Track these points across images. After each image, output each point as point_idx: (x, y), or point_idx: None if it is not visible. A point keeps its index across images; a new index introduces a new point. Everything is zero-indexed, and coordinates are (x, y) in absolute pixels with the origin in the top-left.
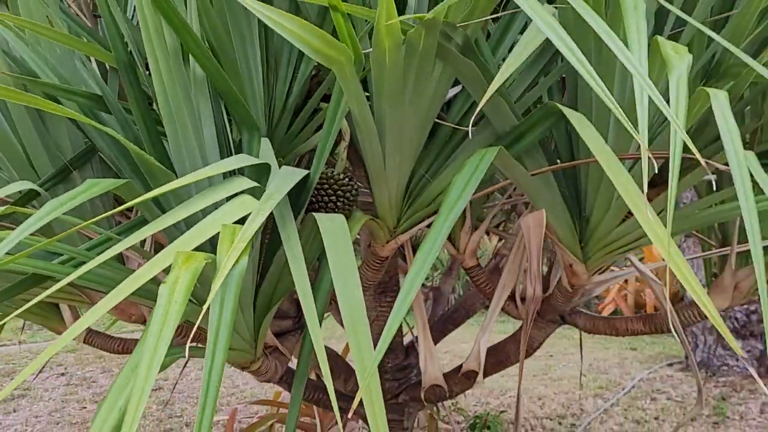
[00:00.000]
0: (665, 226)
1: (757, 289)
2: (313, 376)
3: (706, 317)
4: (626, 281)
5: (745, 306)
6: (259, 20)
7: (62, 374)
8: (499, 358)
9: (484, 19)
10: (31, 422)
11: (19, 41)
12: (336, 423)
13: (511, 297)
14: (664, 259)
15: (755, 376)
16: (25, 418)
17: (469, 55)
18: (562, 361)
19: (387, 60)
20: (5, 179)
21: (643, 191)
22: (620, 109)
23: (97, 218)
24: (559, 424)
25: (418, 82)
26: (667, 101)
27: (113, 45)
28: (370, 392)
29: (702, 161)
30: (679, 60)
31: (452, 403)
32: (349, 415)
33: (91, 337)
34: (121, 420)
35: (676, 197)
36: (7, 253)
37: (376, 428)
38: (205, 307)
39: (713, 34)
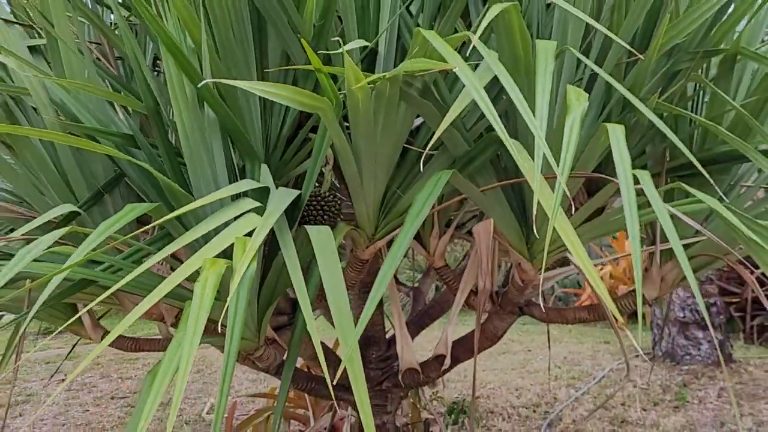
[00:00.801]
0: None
1: (681, 279)
2: (305, 370)
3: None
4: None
5: (705, 299)
6: (257, 66)
7: (62, 380)
8: (468, 346)
9: (436, 69)
10: (38, 425)
11: (63, 91)
12: (327, 412)
13: (474, 292)
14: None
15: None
16: (32, 421)
17: (427, 97)
18: (540, 355)
19: (360, 106)
20: (49, 203)
21: (569, 205)
22: (543, 139)
23: (133, 233)
24: (534, 411)
25: (386, 119)
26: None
27: (144, 97)
28: (352, 362)
29: (614, 178)
30: (578, 105)
31: (433, 393)
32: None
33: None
34: (173, 379)
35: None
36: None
37: (356, 383)
38: (229, 299)
39: (614, 82)
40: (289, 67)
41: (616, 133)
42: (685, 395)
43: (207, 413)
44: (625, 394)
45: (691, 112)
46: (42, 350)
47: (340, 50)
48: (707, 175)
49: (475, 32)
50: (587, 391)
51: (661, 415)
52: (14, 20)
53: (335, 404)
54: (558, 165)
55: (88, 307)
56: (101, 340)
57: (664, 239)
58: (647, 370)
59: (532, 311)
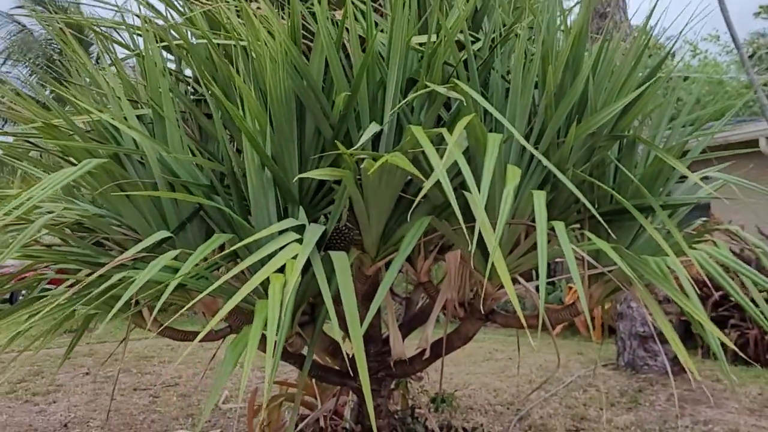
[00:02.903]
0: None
1: (606, 295)
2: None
3: (576, 315)
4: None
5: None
6: (298, 138)
7: (86, 374)
8: (447, 345)
9: (419, 150)
10: (72, 410)
11: (165, 152)
12: (331, 397)
13: (451, 303)
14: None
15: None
16: (66, 407)
17: (415, 164)
18: (519, 362)
19: (370, 176)
20: (147, 230)
21: (516, 240)
22: (483, 205)
23: (218, 256)
24: (507, 409)
25: (387, 179)
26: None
27: (225, 162)
28: (358, 346)
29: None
30: (512, 180)
31: (419, 387)
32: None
33: (162, 330)
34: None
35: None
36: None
37: (360, 366)
38: (285, 299)
39: (544, 159)
40: (324, 154)
41: (539, 198)
42: (638, 398)
43: (223, 403)
44: (588, 396)
45: (613, 174)
46: (60, 347)
47: (361, 139)
48: (604, 223)
49: (450, 131)
50: (556, 393)
51: (615, 414)
52: (129, 98)
53: (339, 389)
54: (500, 217)
55: (186, 307)
56: (158, 332)
57: (591, 267)
58: (610, 377)
59: (496, 318)
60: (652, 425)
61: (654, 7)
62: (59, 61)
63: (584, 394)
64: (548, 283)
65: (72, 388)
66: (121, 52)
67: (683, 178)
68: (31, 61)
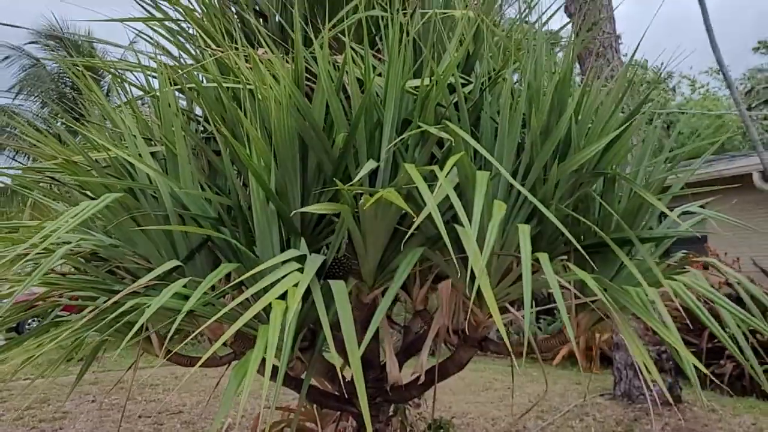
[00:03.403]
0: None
1: (593, 324)
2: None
3: (565, 342)
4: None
5: (657, 347)
6: (300, 173)
7: (92, 401)
8: (442, 371)
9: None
10: None
11: (177, 187)
12: (331, 423)
13: (444, 329)
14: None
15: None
16: None
17: (408, 200)
18: (517, 392)
19: (366, 211)
20: (159, 259)
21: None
22: (474, 237)
23: (228, 286)
24: None
25: (383, 213)
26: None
27: (232, 197)
28: (357, 370)
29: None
30: (498, 214)
31: (417, 413)
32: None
33: (168, 355)
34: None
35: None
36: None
37: (359, 386)
38: (287, 324)
39: (530, 196)
40: (324, 189)
41: (524, 231)
42: (633, 428)
43: (226, 430)
44: (584, 425)
45: (598, 208)
46: (65, 375)
47: (358, 175)
48: (586, 255)
49: (442, 168)
50: (552, 422)
51: None
52: (143, 136)
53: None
54: (485, 249)
55: (195, 333)
56: (165, 357)
57: (578, 297)
58: (606, 407)
59: (488, 345)
60: None
61: (636, 48)
62: (71, 95)
63: (580, 423)
64: (548, 314)
65: (77, 416)
66: (133, 91)
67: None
68: (43, 94)
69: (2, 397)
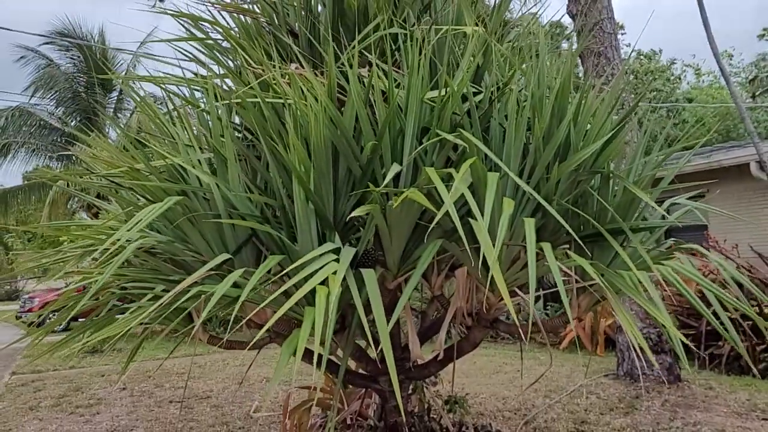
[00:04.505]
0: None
1: (592, 305)
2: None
3: (567, 322)
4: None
5: (657, 329)
6: (333, 176)
7: (123, 389)
8: (458, 350)
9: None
10: (116, 420)
11: (227, 191)
12: (355, 400)
13: (460, 312)
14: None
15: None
16: (109, 417)
17: (430, 197)
18: (526, 374)
19: (393, 208)
20: (210, 253)
21: (513, 258)
22: (486, 229)
23: (277, 274)
24: (515, 414)
25: (407, 209)
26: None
27: (278, 198)
28: (386, 345)
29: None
30: (508, 209)
31: (435, 391)
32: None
33: (211, 339)
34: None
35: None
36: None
37: (387, 348)
38: (331, 305)
39: (533, 193)
40: (354, 192)
41: (530, 225)
42: (635, 404)
43: (253, 412)
44: (589, 402)
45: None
46: (93, 366)
47: (386, 179)
48: (582, 244)
49: (457, 170)
50: (559, 401)
51: (613, 417)
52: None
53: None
54: (497, 240)
55: (248, 317)
56: (207, 341)
57: (577, 282)
58: (610, 386)
59: (499, 326)
60: (647, 427)
61: (632, 49)
62: (84, 94)
63: (586, 401)
64: (555, 300)
65: (111, 402)
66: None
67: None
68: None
69: (37, 386)
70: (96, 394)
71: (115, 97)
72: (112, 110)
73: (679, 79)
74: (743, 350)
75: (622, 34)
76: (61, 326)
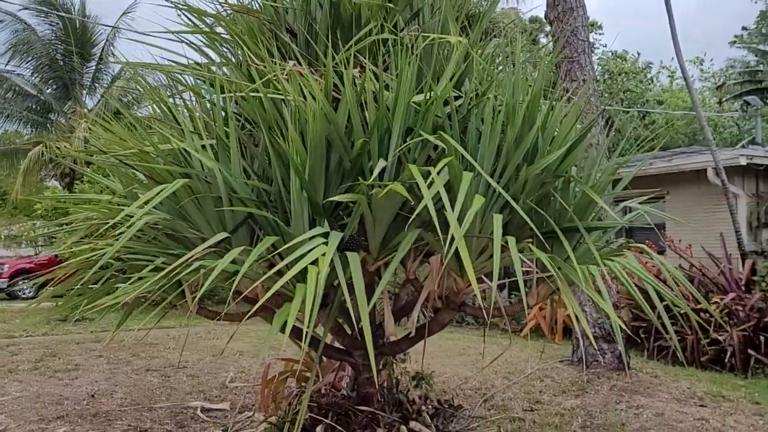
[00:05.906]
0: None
1: (549, 294)
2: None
3: (530, 307)
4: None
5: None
6: (326, 166)
7: (100, 356)
8: (428, 330)
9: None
10: (95, 384)
11: (228, 176)
12: (330, 372)
13: (432, 295)
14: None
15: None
16: (88, 382)
17: (411, 190)
18: (488, 358)
19: (377, 197)
20: (209, 231)
21: (481, 249)
22: (456, 220)
23: (271, 254)
24: (475, 392)
25: (389, 200)
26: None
27: (274, 185)
28: (365, 321)
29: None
30: (477, 204)
31: (402, 368)
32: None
33: (200, 310)
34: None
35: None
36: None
37: (367, 335)
38: (320, 282)
39: (503, 192)
40: (345, 185)
41: (497, 220)
42: (586, 388)
43: (229, 383)
44: (544, 384)
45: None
46: (66, 334)
47: (374, 173)
48: (542, 239)
49: (434, 168)
50: (517, 382)
51: (565, 399)
52: (197, 132)
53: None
54: (461, 230)
55: (245, 292)
56: (196, 311)
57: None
58: (564, 371)
59: (465, 309)
60: (594, 408)
61: (597, 57)
62: (61, 61)
63: (541, 383)
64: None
65: (89, 367)
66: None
67: (620, 201)
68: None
69: (12, 351)
70: (73, 360)
71: (93, 67)
72: (90, 80)
73: (652, 81)
74: (675, 341)
75: (600, 34)
76: (31, 293)
